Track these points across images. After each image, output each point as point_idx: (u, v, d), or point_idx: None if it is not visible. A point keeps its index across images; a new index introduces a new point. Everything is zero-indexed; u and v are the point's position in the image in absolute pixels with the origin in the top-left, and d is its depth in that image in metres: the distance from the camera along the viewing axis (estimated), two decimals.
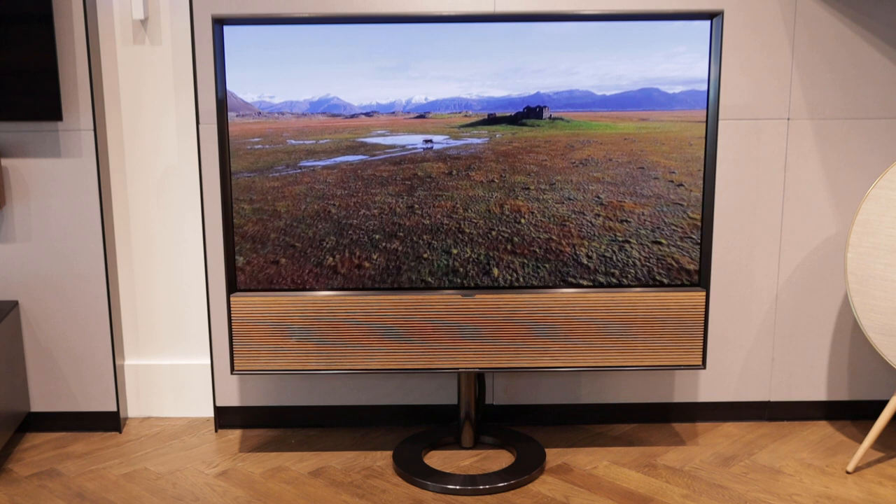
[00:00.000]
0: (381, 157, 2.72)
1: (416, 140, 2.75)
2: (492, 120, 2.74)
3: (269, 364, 2.85)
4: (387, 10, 2.95)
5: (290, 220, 2.77)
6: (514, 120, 2.74)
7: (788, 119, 3.05)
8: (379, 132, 2.75)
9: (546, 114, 2.71)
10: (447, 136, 2.74)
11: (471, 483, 2.86)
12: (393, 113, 2.73)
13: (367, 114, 2.73)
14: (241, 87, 2.70)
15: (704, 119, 2.75)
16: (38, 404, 3.20)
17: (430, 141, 2.70)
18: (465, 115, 2.73)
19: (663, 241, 2.77)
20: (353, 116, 2.73)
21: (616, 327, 2.84)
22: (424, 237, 2.72)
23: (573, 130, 2.74)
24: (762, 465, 3.00)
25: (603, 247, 2.75)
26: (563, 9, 2.95)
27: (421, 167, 2.74)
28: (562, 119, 2.74)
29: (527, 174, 2.70)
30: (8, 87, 2.90)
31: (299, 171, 2.74)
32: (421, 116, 2.74)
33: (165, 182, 3.15)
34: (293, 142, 2.75)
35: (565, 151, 2.73)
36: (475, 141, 2.73)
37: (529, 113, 2.73)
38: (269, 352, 2.84)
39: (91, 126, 3.01)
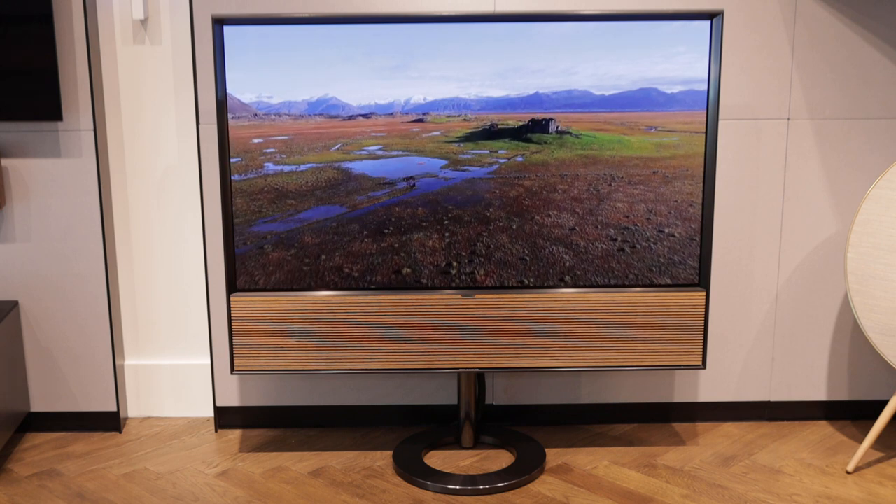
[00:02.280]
0: (362, 211, 2.59)
1: (409, 165, 2.69)
2: (493, 133, 2.72)
3: (269, 364, 2.85)
4: (386, 10, 2.94)
5: None
6: (518, 134, 2.72)
7: (788, 119, 3.04)
8: (371, 147, 2.71)
9: (552, 126, 2.68)
10: (445, 162, 2.69)
11: (471, 483, 2.86)
12: (391, 114, 2.73)
13: (365, 115, 2.72)
14: (240, 87, 2.70)
15: (704, 119, 2.75)
16: (38, 404, 3.21)
17: (413, 178, 2.65)
18: (465, 119, 2.72)
19: None
20: (350, 118, 2.73)
21: (616, 327, 2.84)
22: None
23: (584, 151, 2.68)
24: (762, 465, 3.00)
25: None
26: (562, 9, 2.95)
27: (407, 248, 2.65)
28: (569, 133, 2.70)
29: (560, 274, 2.52)
30: (8, 87, 2.90)
31: (241, 249, 2.70)
32: (419, 120, 2.73)
33: (165, 182, 3.15)
34: (272, 167, 2.69)
35: (594, 203, 2.54)
36: (478, 172, 2.65)
37: (535, 126, 2.70)
38: (269, 352, 2.84)
39: (91, 126, 3.01)
